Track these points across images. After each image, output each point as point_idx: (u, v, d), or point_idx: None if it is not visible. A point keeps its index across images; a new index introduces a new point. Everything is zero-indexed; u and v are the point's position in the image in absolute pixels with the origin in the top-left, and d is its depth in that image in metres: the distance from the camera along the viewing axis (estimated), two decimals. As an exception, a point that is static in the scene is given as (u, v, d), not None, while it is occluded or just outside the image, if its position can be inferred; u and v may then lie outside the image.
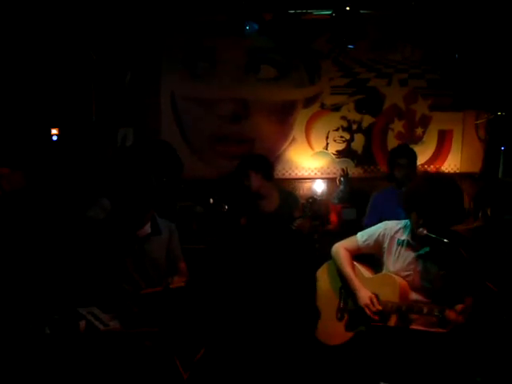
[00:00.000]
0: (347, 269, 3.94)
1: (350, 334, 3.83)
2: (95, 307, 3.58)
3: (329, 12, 6.23)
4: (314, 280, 4.24)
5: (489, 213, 5.50)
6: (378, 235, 3.90)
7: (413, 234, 3.71)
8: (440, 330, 3.52)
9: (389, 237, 3.85)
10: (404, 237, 3.79)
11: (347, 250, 4.02)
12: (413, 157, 5.40)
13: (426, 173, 4.54)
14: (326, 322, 4.02)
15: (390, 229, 3.88)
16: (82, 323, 3.37)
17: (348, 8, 6.01)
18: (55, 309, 3.50)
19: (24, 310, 3.51)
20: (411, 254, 3.73)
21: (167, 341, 3.36)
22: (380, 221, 4.08)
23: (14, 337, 3.26)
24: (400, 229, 3.84)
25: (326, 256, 4.20)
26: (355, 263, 4.01)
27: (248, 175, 5.50)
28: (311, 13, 6.44)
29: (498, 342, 3.40)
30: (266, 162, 5.68)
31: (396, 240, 3.81)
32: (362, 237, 3.99)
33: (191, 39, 6.91)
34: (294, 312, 5.13)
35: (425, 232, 3.55)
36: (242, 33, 6.15)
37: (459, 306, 3.42)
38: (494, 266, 4.31)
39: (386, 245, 3.85)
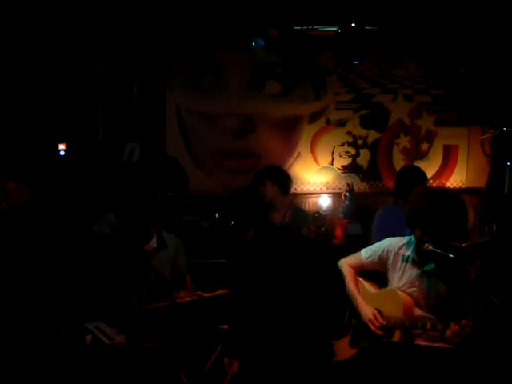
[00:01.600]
0: (350, 285, 3.93)
1: (353, 351, 3.81)
2: (101, 321, 3.58)
3: (334, 28, 6.28)
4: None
5: (495, 228, 5.50)
6: (382, 252, 3.89)
7: (417, 250, 3.70)
8: (445, 346, 3.51)
9: (393, 253, 3.84)
10: (408, 253, 3.78)
11: (351, 266, 4.02)
12: (427, 181, 5.34)
13: (428, 188, 4.52)
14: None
15: (394, 245, 3.87)
16: (88, 337, 3.37)
17: (353, 24, 6.05)
18: (61, 323, 3.50)
19: (30, 324, 3.51)
20: (416, 271, 3.71)
21: (173, 356, 3.36)
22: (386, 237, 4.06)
23: (21, 351, 3.26)
24: (404, 245, 3.83)
25: (332, 271, 4.19)
26: (360, 279, 4.00)
27: (264, 183, 5.51)
28: (317, 29, 6.49)
29: (502, 357, 3.38)
30: (285, 176, 5.69)
31: (401, 256, 3.80)
32: (366, 253, 3.99)
33: (197, 54, 6.95)
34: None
35: (430, 248, 3.54)
36: (248, 48, 6.19)
37: (462, 322, 3.41)
38: (499, 280, 4.30)
39: (390, 261, 3.84)
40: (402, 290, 3.72)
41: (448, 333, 3.41)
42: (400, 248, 3.83)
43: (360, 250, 4.08)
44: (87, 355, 3.27)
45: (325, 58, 7.04)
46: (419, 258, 3.71)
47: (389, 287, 3.84)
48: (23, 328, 3.47)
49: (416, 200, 3.74)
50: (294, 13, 6.20)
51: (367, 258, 3.96)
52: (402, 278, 3.75)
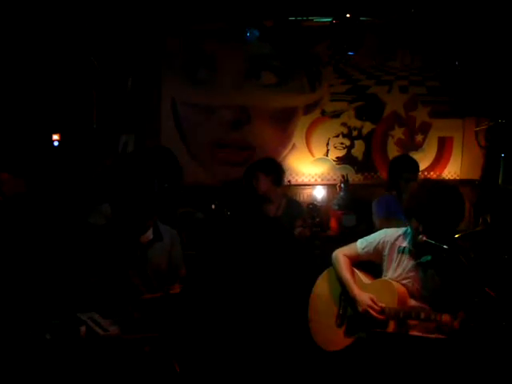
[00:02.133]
0: (346, 275, 3.93)
1: (348, 341, 3.82)
2: (95, 312, 3.58)
3: (329, 19, 6.26)
4: (311, 286, 4.25)
5: (489, 219, 5.51)
6: (378, 243, 3.90)
7: (414, 241, 3.71)
8: (439, 336, 3.53)
9: (389, 244, 3.84)
10: (405, 244, 3.78)
11: (347, 256, 4.02)
12: (418, 169, 5.38)
13: (426, 180, 4.52)
14: (326, 328, 4.01)
15: (390, 236, 3.87)
16: (83, 328, 3.37)
17: (348, 15, 6.05)
18: (56, 314, 3.51)
19: (25, 315, 3.51)
20: (411, 262, 3.72)
21: (167, 346, 3.37)
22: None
23: (15, 342, 3.27)
24: (400, 236, 3.83)
25: (327, 262, 4.20)
26: (355, 270, 4.01)
27: (257, 176, 5.51)
28: (312, 20, 6.46)
29: (496, 348, 3.39)
30: (278, 167, 5.70)
31: (397, 247, 3.80)
32: (362, 244, 3.99)
33: (192, 46, 6.92)
34: (290, 317, 5.13)
35: (424, 238, 3.56)
36: (242, 39, 6.18)
37: (458, 314, 3.42)
38: (494, 272, 4.32)
39: (386, 252, 3.84)
40: (397, 281, 3.72)
41: (442, 323, 3.43)
42: (396, 239, 3.83)
43: (355, 241, 4.09)
44: (81, 346, 3.28)
45: (320, 49, 7.02)
46: (415, 250, 3.71)
47: (383, 278, 3.85)
48: (18, 319, 3.47)
49: (414, 191, 3.75)
50: (288, 3, 6.19)
51: (363, 249, 3.96)
52: (398, 268, 3.76)
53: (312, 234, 5.61)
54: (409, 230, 3.79)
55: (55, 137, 6.26)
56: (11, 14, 5.86)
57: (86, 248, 4.04)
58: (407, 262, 3.73)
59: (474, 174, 7.33)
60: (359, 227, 6.56)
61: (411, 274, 3.70)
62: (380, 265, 3.91)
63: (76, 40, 6.27)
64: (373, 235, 4.00)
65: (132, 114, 6.78)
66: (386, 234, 3.91)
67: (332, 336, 3.95)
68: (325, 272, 4.22)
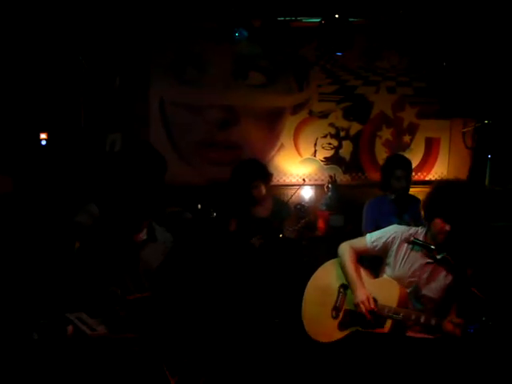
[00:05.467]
0: (351, 268, 3.93)
1: (341, 334, 3.82)
2: (83, 312, 3.56)
3: (317, 20, 6.26)
4: (301, 286, 4.25)
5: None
6: (388, 238, 3.89)
7: (434, 240, 3.71)
8: (430, 337, 3.55)
9: (398, 240, 3.84)
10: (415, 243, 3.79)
11: (354, 249, 4.02)
12: (411, 168, 5.39)
13: (445, 181, 4.46)
14: (321, 318, 4.00)
15: (400, 232, 3.88)
16: (70, 328, 3.36)
17: (337, 16, 6.05)
18: (43, 313, 3.49)
19: (11, 315, 3.49)
20: (419, 261, 3.74)
21: (155, 346, 3.36)
22: (377, 229, 4.09)
23: (2, 342, 3.25)
24: (411, 234, 3.82)
25: (314, 262, 4.21)
26: (359, 265, 4.02)
27: (257, 186, 5.48)
28: (300, 20, 6.47)
29: (485, 347, 3.41)
30: (268, 169, 5.69)
31: (406, 245, 3.81)
32: (371, 238, 3.98)
33: (180, 45, 6.92)
34: (280, 316, 5.15)
35: (412, 238, 3.63)
36: (231, 39, 6.18)
37: (457, 320, 3.44)
38: (481, 272, 4.34)
39: (394, 247, 3.85)
40: (401, 279, 3.74)
41: (443, 329, 3.44)
42: (407, 237, 3.82)
43: (343, 241, 4.11)
44: (68, 346, 3.27)
45: (308, 49, 7.05)
46: (425, 250, 3.74)
47: (387, 277, 3.86)
48: (4, 319, 3.45)
49: (436, 191, 3.75)
50: (277, 4, 6.19)
51: (372, 243, 3.95)
52: (404, 266, 3.78)
53: (299, 235, 5.62)
54: (420, 230, 3.82)
55: (43, 135, 6.23)
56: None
57: (74, 247, 4.02)
58: (414, 261, 3.75)
59: (461, 175, 7.34)
60: (347, 227, 6.59)
61: (417, 273, 3.72)
62: (384, 259, 3.93)
63: (64, 39, 6.24)
64: (383, 230, 4.00)
65: (120, 113, 6.76)
66: (397, 230, 3.92)
67: (325, 327, 3.94)
68: (328, 262, 4.20)
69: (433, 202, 3.74)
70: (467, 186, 3.78)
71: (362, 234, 4.83)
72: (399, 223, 4.16)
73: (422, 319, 3.52)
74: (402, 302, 3.66)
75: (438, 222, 3.64)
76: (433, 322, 3.49)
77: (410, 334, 3.64)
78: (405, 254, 3.80)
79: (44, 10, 5.95)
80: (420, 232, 3.82)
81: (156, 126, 7.01)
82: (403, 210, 5.15)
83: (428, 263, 3.71)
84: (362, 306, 3.70)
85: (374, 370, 3.54)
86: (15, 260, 4.33)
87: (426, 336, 3.59)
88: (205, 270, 4.95)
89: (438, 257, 3.68)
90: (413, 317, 3.56)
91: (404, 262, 3.78)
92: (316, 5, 6.23)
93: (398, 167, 5.24)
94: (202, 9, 6.29)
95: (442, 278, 3.67)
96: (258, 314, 5.16)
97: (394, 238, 3.87)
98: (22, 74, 6.15)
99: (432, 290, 3.68)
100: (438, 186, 3.83)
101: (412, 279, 3.72)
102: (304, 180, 6.92)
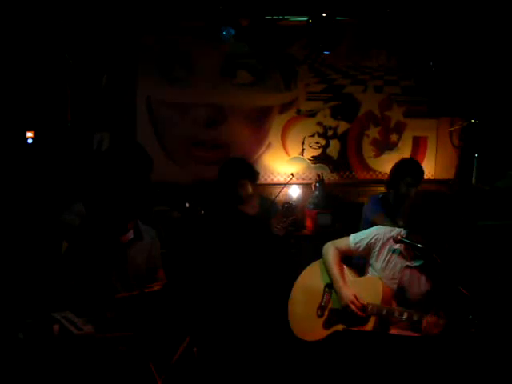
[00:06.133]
0: (335, 268, 3.96)
1: (325, 333, 3.84)
2: (69, 311, 3.55)
3: (305, 18, 6.26)
4: (289, 283, 4.26)
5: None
6: (371, 239, 3.91)
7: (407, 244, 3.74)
8: (415, 334, 3.56)
9: (381, 242, 3.87)
10: (397, 245, 3.81)
11: (338, 249, 4.05)
12: (422, 177, 5.28)
13: (426, 192, 4.49)
14: (306, 317, 4.02)
15: (383, 233, 3.90)
16: (56, 327, 3.34)
17: (324, 14, 6.06)
18: (29, 313, 3.47)
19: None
20: (401, 264, 3.76)
21: (142, 345, 3.35)
22: None
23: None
24: (394, 236, 3.83)
25: (302, 260, 4.22)
26: (343, 264, 4.04)
27: (243, 185, 5.47)
28: (288, 19, 6.46)
29: (471, 346, 3.42)
30: (254, 168, 5.68)
31: (388, 246, 3.83)
32: (355, 239, 4.00)
33: (167, 44, 6.89)
34: (269, 315, 5.14)
35: (399, 237, 3.64)
36: (218, 38, 6.16)
37: (435, 318, 3.45)
38: (467, 271, 4.35)
39: (376, 249, 3.87)
40: (384, 281, 3.76)
41: (424, 324, 3.46)
42: (389, 239, 3.85)
43: (330, 240, 4.14)
44: (55, 345, 3.25)
45: (296, 48, 7.04)
46: (407, 253, 3.75)
47: (371, 275, 3.88)
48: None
49: (417, 205, 3.82)
50: (265, 2, 6.19)
51: (355, 244, 3.97)
52: (386, 268, 3.80)
53: (287, 233, 5.62)
54: (403, 232, 3.83)
55: (29, 134, 6.20)
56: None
57: (61, 246, 4.00)
58: (395, 264, 3.77)
59: (448, 174, 7.41)
60: (334, 226, 6.60)
61: (398, 275, 3.74)
62: (368, 260, 3.95)
63: (50, 36, 6.20)
64: (366, 231, 4.03)
65: (107, 111, 6.73)
66: (379, 231, 3.94)
67: (310, 325, 3.96)
68: (315, 262, 4.22)
69: (412, 215, 3.78)
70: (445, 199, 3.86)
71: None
72: (392, 224, 4.19)
73: (405, 315, 3.55)
74: (386, 300, 3.69)
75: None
76: (415, 317, 3.52)
77: (395, 331, 3.65)
78: (386, 256, 3.83)
79: (29, 7, 5.91)
80: (403, 233, 3.83)
81: (143, 125, 6.97)
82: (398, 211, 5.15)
83: (407, 267, 3.73)
84: (351, 305, 3.72)
85: (361, 369, 3.55)
86: (1, 259, 4.30)
87: (408, 334, 3.61)
88: (195, 267, 4.95)
89: (416, 264, 3.71)
90: (396, 313, 3.59)
91: (385, 264, 3.81)
92: (303, 4, 6.23)
93: (411, 175, 5.18)
94: (189, 7, 6.27)
95: (423, 283, 3.71)
96: (248, 312, 5.15)
97: (377, 239, 3.89)
98: (7, 72, 6.11)
99: (412, 293, 3.71)
100: (419, 199, 3.89)
101: (393, 281, 3.74)
102: (292, 175, 6.93)
